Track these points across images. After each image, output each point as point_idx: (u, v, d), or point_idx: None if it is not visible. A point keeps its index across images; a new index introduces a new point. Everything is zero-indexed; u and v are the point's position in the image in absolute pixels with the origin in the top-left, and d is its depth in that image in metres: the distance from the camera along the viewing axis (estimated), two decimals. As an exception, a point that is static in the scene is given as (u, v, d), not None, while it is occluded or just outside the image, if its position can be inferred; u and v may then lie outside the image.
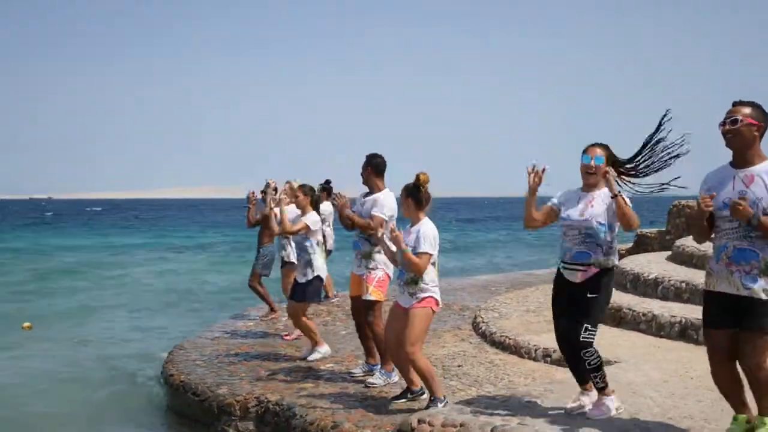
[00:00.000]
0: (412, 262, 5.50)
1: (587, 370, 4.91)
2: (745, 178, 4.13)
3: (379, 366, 6.80)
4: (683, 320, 7.37)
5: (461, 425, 4.87)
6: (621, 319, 8.06)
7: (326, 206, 10.64)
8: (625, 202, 4.73)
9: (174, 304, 16.21)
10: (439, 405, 5.56)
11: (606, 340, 7.44)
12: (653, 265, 9.46)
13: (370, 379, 6.71)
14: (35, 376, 9.41)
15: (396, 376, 6.54)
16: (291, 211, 7.95)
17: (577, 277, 4.86)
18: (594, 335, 4.88)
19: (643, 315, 7.78)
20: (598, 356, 4.90)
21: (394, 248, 5.73)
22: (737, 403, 4.35)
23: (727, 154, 4.28)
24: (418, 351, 5.62)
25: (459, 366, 7.25)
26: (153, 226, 58.84)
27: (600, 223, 4.79)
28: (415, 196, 5.68)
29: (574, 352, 4.92)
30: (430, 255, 5.56)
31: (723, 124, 4.16)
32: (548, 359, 7.18)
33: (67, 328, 13.03)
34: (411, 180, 5.74)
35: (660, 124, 5.01)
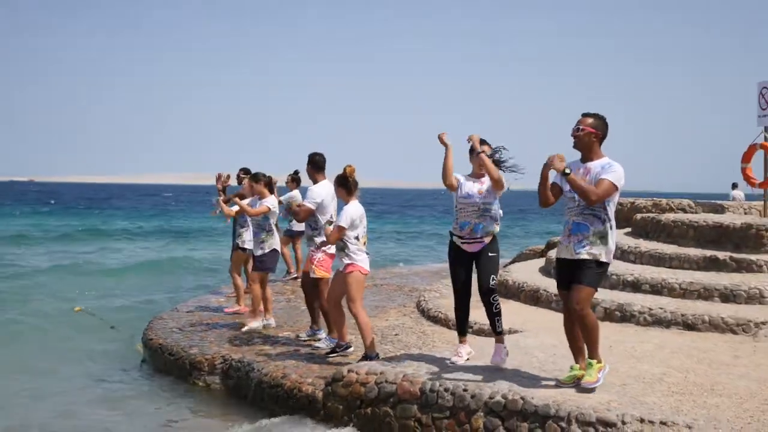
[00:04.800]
0: (326, 233, 7.09)
1: None
2: (584, 170, 5.55)
3: (323, 332, 8.13)
4: (616, 304, 8.54)
5: (381, 373, 6.20)
6: (538, 299, 9.43)
7: (296, 194, 11.99)
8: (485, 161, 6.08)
9: (161, 281, 17.58)
10: (371, 360, 6.90)
11: (522, 315, 8.84)
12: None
13: (316, 344, 8.05)
14: (30, 336, 10.77)
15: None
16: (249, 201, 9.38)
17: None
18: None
19: (555, 295, 9.11)
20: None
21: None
22: (576, 352, 5.74)
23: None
24: (358, 306, 7.04)
25: (396, 335, 8.57)
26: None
27: (493, 199, 6.24)
28: (344, 184, 7.11)
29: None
30: (342, 227, 6.97)
31: (572, 130, 5.54)
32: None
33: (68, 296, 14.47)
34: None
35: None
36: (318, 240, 7.78)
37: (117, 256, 23.90)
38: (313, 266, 7.84)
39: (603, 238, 5.48)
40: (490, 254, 6.26)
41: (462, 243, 6.32)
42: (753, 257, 8.99)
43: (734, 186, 21.47)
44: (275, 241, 8.94)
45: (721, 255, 9.18)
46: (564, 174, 5.44)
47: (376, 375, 6.19)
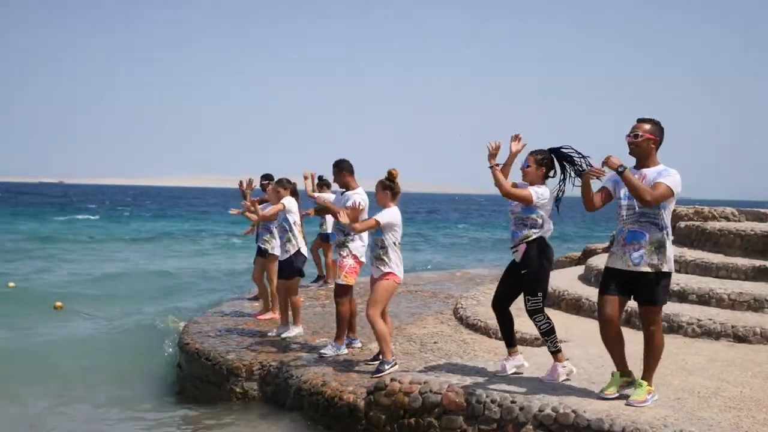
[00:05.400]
0: (358, 229, 6.82)
1: None
2: (640, 176, 5.33)
3: (359, 341, 7.97)
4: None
5: (425, 383, 6.05)
6: (580, 308, 9.22)
7: (328, 196, 11.89)
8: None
9: (194, 285, 17.66)
10: (387, 367, 6.76)
11: (564, 324, 8.61)
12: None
13: (322, 350, 7.81)
14: (73, 340, 10.76)
15: (345, 349, 7.77)
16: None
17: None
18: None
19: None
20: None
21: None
22: (617, 360, 5.57)
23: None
24: (376, 313, 6.82)
25: (435, 343, 8.40)
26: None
27: (524, 208, 6.01)
28: (391, 189, 6.90)
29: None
30: (377, 221, 6.77)
31: (628, 136, 5.35)
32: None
33: (101, 301, 14.51)
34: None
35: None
36: (351, 245, 7.56)
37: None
38: (343, 273, 7.56)
39: (661, 246, 5.28)
40: (523, 271, 6.03)
41: (511, 251, 6.17)
42: (804, 268, 8.72)
43: (774, 194, 21.12)
44: (299, 242, 8.76)
45: (771, 265, 8.92)
46: (619, 171, 5.22)
47: (420, 384, 6.04)
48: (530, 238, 6.01)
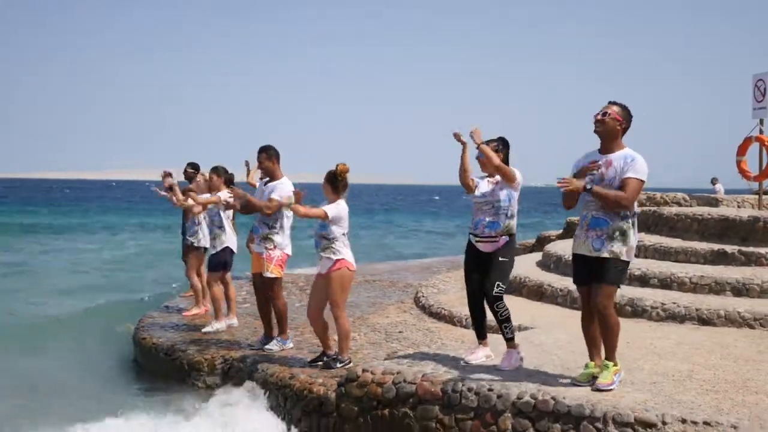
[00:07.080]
0: (301, 212, 6.54)
1: None
2: (606, 162, 5.28)
3: (278, 335, 7.66)
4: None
5: (398, 373, 5.90)
6: (542, 294, 9.21)
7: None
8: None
9: (143, 278, 17.18)
10: (338, 365, 6.66)
11: (528, 311, 8.58)
12: (575, 248, 10.63)
13: (267, 346, 7.57)
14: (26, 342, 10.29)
15: (291, 343, 7.60)
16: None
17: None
18: None
19: (560, 290, 8.92)
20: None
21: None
22: (593, 351, 5.53)
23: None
24: (342, 312, 6.69)
25: (400, 332, 8.29)
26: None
27: (506, 194, 5.94)
28: (332, 182, 6.66)
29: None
30: (326, 213, 6.52)
31: (596, 114, 5.29)
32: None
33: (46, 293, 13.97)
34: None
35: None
36: (276, 238, 7.30)
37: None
38: (271, 266, 7.28)
39: (623, 233, 5.24)
40: (500, 258, 5.93)
41: (477, 241, 6.03)
42: (762, 250, 8.84)
43: (714, 181, 21.73)
44: (228, 238, 8.50)
45: (729, 248, 9.02)
46: (587, 190, 5.17)
47: (393, 375, 5.89)
48: (512, 231, 5.96)
